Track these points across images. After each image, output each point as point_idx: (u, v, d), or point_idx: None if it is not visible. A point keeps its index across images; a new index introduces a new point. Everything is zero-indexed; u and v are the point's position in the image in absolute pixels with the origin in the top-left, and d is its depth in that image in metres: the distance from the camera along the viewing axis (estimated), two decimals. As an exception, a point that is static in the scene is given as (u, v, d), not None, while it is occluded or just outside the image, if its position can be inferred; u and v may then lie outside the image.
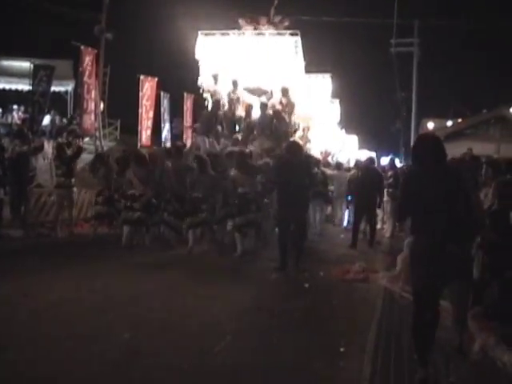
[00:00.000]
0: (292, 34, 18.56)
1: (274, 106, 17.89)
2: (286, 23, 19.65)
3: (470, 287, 6.49)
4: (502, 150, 24.37)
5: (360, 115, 36.21)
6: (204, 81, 18.94)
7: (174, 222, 13.14)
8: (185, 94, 25.30)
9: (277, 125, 16.99)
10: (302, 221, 11.45)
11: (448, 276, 5.56)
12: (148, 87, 21.74)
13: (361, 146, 35.95)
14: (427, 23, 33.73)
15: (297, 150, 11.47)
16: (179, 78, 31.66)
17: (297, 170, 10.92)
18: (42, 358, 5.87)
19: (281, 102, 18.15)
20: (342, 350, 6.43)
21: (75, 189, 14.78)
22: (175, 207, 13.06)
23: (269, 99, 18.28)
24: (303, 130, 19.46)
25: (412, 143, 26.27)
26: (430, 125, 43.91)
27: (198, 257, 12.46)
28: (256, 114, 18.09)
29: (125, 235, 12.74)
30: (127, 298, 8.39)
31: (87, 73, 19.03)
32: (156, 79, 22.36)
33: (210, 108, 18.28)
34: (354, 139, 33.23)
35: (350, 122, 28.86)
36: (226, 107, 18.39)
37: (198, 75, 18.59)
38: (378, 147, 42.12)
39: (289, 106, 18.25)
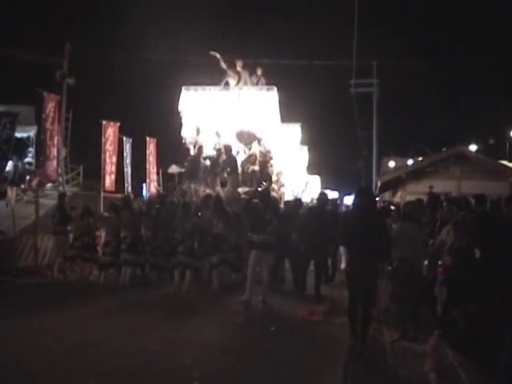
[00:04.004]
0: (269, 89, 20.04)
1: (254, 155, 19.28)
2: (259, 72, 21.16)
3: (415, 295, 8.97)
4: (463, 187, 24.74)
5: (321, 155, 36.54)
6: (187, 132, 20.12)
7: (163, 262, 14.12)
8: (147, 138, 25.33)
9: (258, 173, 18.79)
10: (325, 257, 13.86)
11: (365, 279, 8.21)
12: (110, 132, 21.73)
13: (323, 186, 36.19)
14: (386, 64, 34.38)
15: (326, 200, 14.22)
16: (141, 122, 31.82)
17: (323, 215, 13.33)
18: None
19: (260, 152, 19.53)
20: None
21: (71, 235, 15.29)
22: (165, 250, 14.07)
23: (249, 149, 19.61)
24: (277, 174, 20.22)
25: (374, 182, 26.80)
26: (391, 163, 44.38)
27: (174, 297, 12.67)
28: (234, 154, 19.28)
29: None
30: (92, 343, 8.36)
31: (50, 119, 19.01)
32: (118, 124, 22.35)
33: (193, 156, 19.45)
34: (316, 179, 33.48)
35: (311, 162, 29.10)
36: (212, 156, 19.44)
37: (165, 121, 19.33)
38: (340, 186, 42.48)
39: (267, 155, 19.62)
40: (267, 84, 20.82)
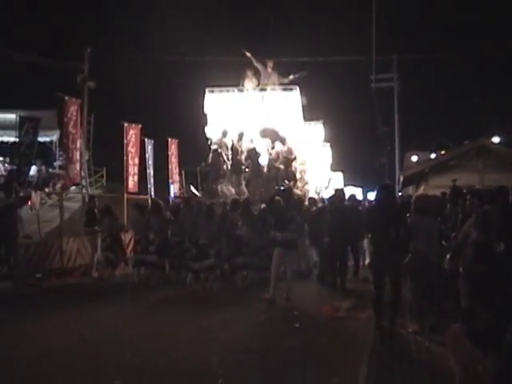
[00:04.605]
0: (292, 89, 20.83)
1: (277, 154, 19.71)
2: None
3: (434, 288, 9.15)
4: (486, 180, 24.59)
5: (344, 152, 36.37)
6: (212, 133, 20.65)
7: (192, 265, 14.16)
8: (169, 140, 25.44)
9: (282, 172, 19.22)
10: (345, 251, 13.91)
11: (390, 272, 8.63)
12: (132, 134, 21.82)
13: (347, 183, 36.04)
14: (406, 58, 34.18)
15: (343, 197, 14.46)
16: (162, 123, 31.92)
17: (345, 211, 13.71)
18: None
19: (282, 151, 19.92)
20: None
21: (99, 235, 15.63)
22: (192, 252, 14.19)
23: (272, 148, 19.93)
24: (300, 172, 20.46)
25: (397, 178, 26.64)
26: (414, 158, 44.08)
27: (199, 296, 12.85)
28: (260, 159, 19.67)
29: (137, 276, 14.56)
30: (117, 343, 8.44)
31: (72, 123, 19.12)
32: (140, 126, 22.46)
33: (215, 158, 19.73)
34: (339, 176, 33.40)
35: (334, 159, 29.02)
36: (230, 156, 19.70)
37: (185, 122, 19.69)
38: (364, 183, 42.22)
39: (290, 154, 19.99)
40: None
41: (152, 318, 10.27)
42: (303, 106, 21.55)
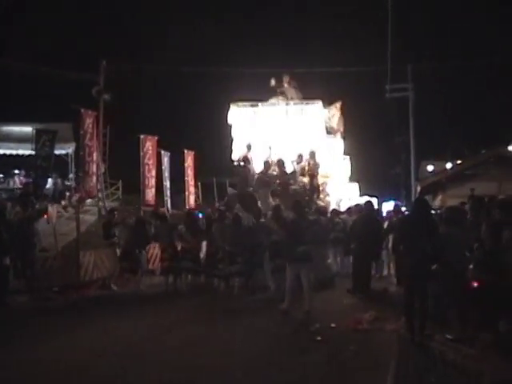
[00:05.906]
0: (314, 103, 21.27)
1: (303, 169, 19.96)
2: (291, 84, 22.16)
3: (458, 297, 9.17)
4: (504, 189, 24.32)
5: (359, 162, 36.21)
6: (237, 147, 21.12)
7: (220, 272, 14.71)
8: (185, 151, 25.43)
9: (307, 185, 19.58)
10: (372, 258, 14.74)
11: (419, 278, 9.02)
12: (149, 146, 21.88)
13: (362, 193, 35.91)
14: (421, 67, 34.11)
15: (372, 208, 15.58)
16: (178, 135, 31.96)
17: (371, 223, 14.23)
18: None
19: (309, 164, 20.06)
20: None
21: (116, 249, 16.02)
22: (225, 262, 14.66)
23: (298, 163, 20.12)
24: (322, 184, 20.95)
25: (413, 187, 26.63)
26: (430, 167, 43.92)
27: (225, 306, 12.69)
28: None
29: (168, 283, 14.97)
30: (139, 357, 8.36)
31: (88, 135, 19.21)
32: (156, 138, 22.51)
33: (242, 172, 19.93)
34: (355, 187, 33.32)
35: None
36: (262, 169, 19.92)
37: (201, 134, 19.76)
38: (379, 192, 41.99)
39: (316, 167, 20.16)
40: (301, 92, 21.36)
41: (174, 331, 10.22)
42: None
